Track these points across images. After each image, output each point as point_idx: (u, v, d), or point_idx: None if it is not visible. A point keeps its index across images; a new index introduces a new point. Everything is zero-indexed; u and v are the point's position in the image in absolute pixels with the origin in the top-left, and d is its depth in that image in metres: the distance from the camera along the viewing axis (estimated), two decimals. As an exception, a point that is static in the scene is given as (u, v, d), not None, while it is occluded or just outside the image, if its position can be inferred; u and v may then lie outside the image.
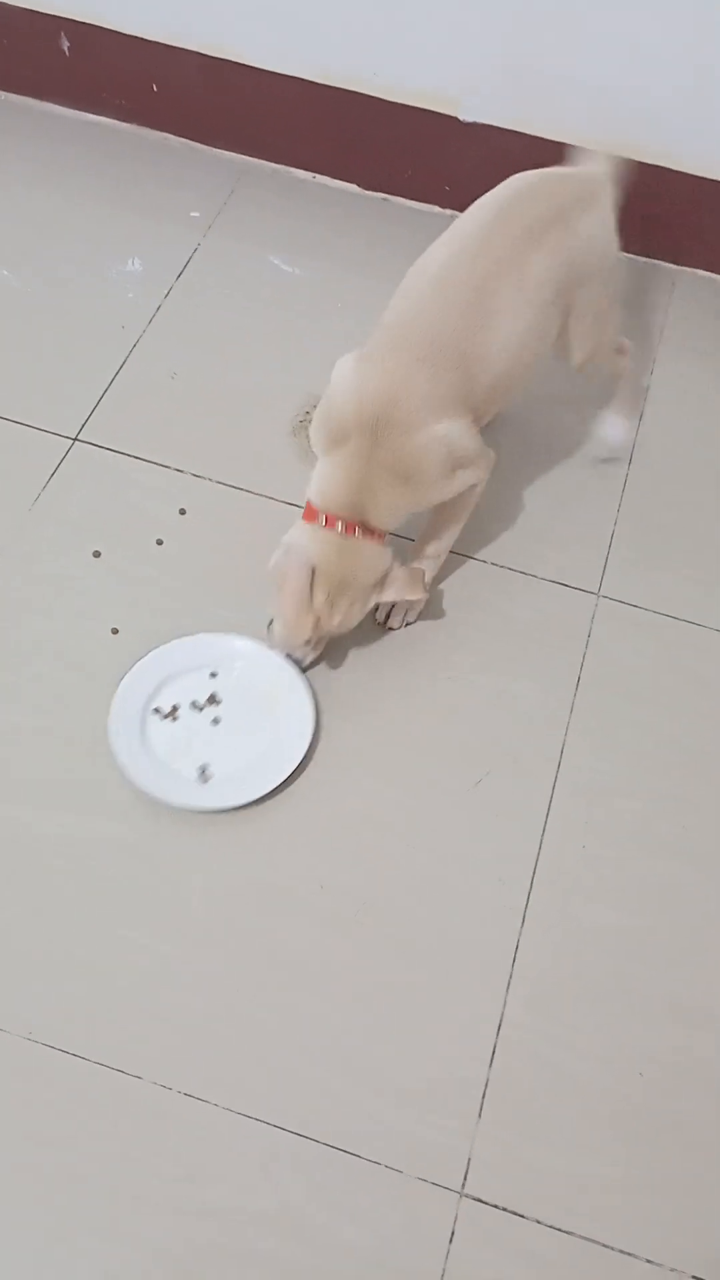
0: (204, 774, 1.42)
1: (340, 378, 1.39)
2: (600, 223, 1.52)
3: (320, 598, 1.37)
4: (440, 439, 1.37)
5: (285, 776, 1.41)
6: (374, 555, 1.40)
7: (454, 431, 1.38)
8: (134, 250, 2.00)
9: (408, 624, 1.58)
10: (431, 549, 1.56)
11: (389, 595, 1.43)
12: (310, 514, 1.39)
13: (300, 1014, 1.28)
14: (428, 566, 1.55)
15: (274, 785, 1.41)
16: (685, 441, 1.86)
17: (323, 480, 1.40)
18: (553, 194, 1.48)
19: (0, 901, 1.33)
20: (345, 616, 1.41)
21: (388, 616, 1.57)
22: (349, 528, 1.37)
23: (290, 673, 1.49)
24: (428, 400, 1.35)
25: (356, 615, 1.43)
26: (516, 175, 1.51)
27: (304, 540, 1.38)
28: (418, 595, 1.46)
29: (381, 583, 1.42)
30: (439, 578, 1.61)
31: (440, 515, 1.54)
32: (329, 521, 1.37)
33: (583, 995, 1.32)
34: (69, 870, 1.36)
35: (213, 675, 1.50)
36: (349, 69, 1.99)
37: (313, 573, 1.36)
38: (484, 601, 1.63)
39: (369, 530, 1.39)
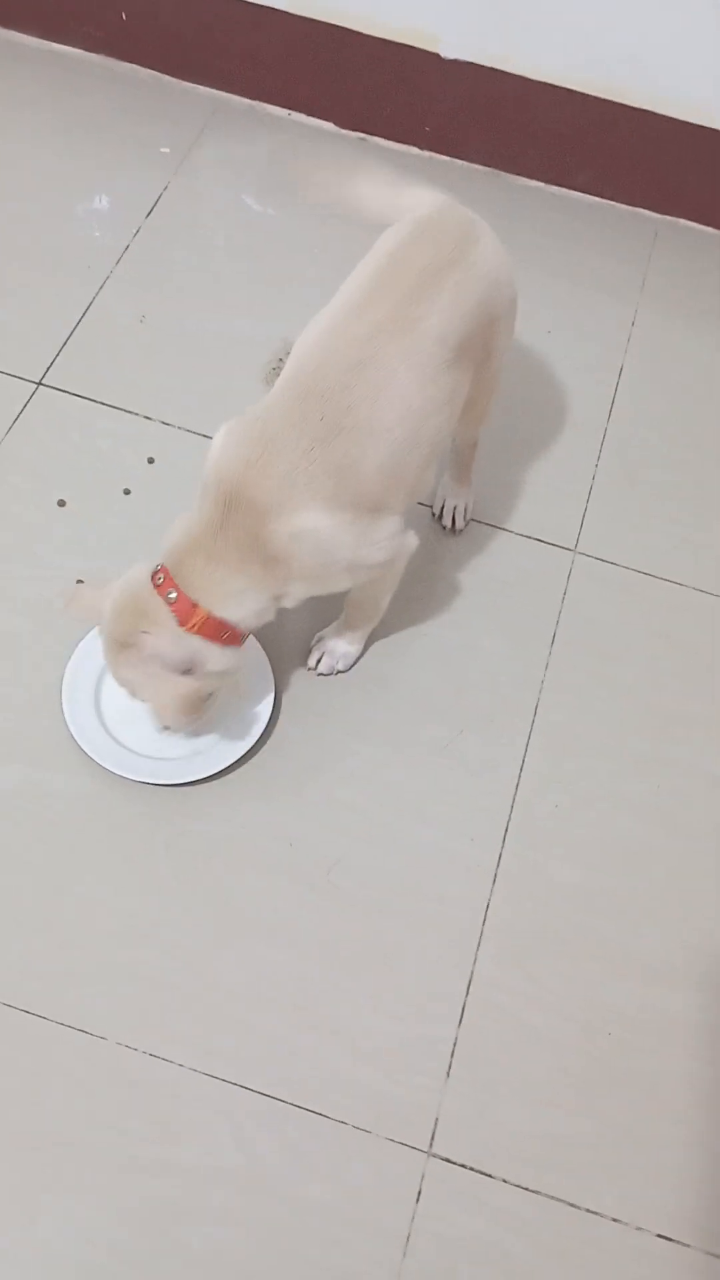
0: (156, 749, 1.37)
1: (213, 441, 1.21)
2: (496, 252, 1.31)
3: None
4: (307, 531, 1.16)
5: (234, 759, 1.37)
6: (155, 621, 1.18)
7: (327, 528, 1.17)
8: (101, 187, 1.93)
9: (338, 672, 1.47)
10: (354, 630, 1.44)
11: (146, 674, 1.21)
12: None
13: (267, 972, 1.27)
14: (357, 635, 1.45)
15: (219, 768, 1.36)
16: (665, 395, 1.83)
17: (168, 537, 1.21)
18: (441, 232, 1.28)
19: (-39, 858, 1.30)
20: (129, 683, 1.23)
21: (319, 661, 1.46)
22: (165, 586, 1.18)
23: (253, 647, 1.42)
24: (289, 483, 1.15)
25: (147, 692, 1.22)
26: (393, 226, 1.32)
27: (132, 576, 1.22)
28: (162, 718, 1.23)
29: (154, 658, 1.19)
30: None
31: (353, 603, 1.40)
32: (158, 574, 1.19)
33: (553, 953, 1.32)
34: (26, 825, 1.33)
35: None
36: (328, 0, 1.91)
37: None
38: (458, 557, 1.60)
39: (187, 605, 1.17)
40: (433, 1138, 1.20)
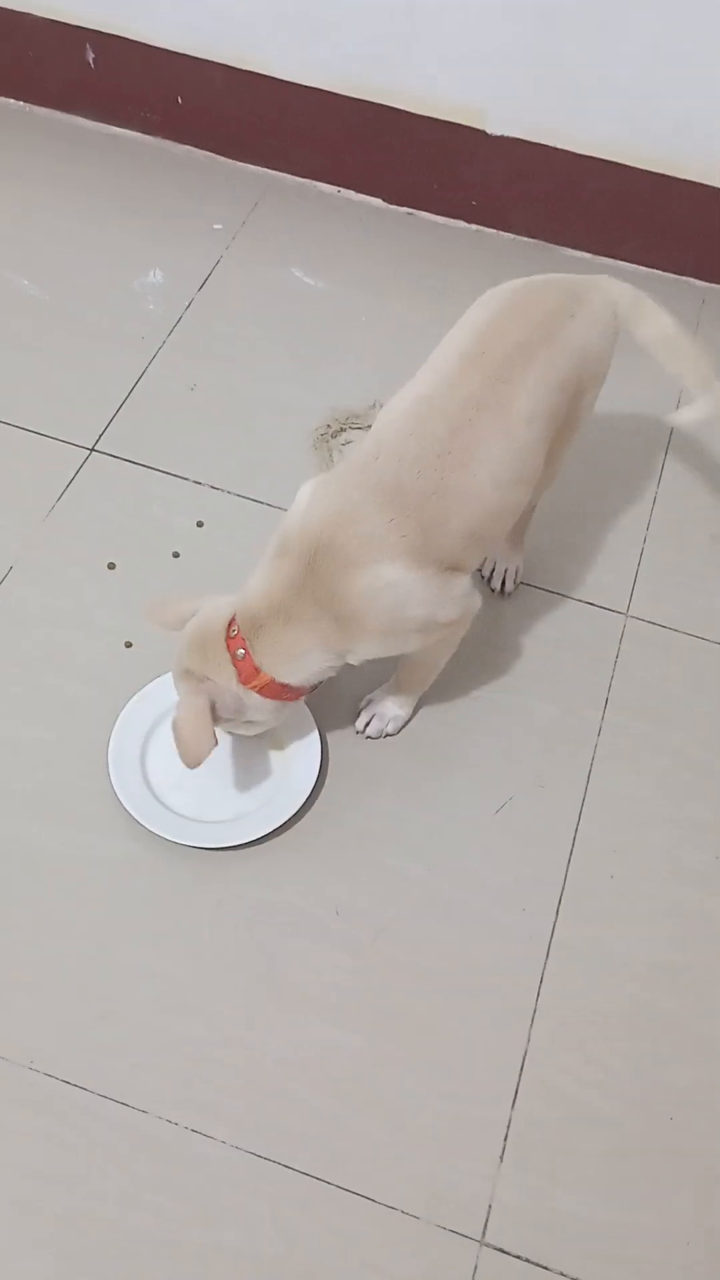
0: (201, 812, 1.36)
1: (298, 500, 1.24)
2: (592, 326, 1.31)
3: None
4: (386, 586, 1.17)
5: (280, 823, 1.34)
6: (219, 669, 1.21)
7: (406, 583, 1.18)
8: (156, 262, 1.98)
9: (386, 735, 1.45)
10: (405, 693, 1.43)
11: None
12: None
13: (313, 1046, 1.23)
14: (407, 698, 1.44)
15: (265, 831, 1.34)
16: (715, 459, 1.81)
17: (247, 589, 1.23)
18: (534, 307, 1.28)
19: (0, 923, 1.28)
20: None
21: (368, 724, 1.45)
22: (235, 642, 1.20)
23: (300, 711, 1.41)
24: (377, 537, 1.17)
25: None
26: (495, 289, 1.33)
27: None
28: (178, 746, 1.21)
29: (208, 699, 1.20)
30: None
31: (408, 665, 1.39)
32: (233, 625, 1.21)
33: (611, 1031, 1.26)
34: (73, 890, 1.31)
35: None
36: (376, 81, 1.96)
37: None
38: (509, 620, 1.58)
39: (251, 668, 1.20)
40: (486, 1226, 1.14)
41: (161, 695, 1.42)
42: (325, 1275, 1.10)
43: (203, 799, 1.37)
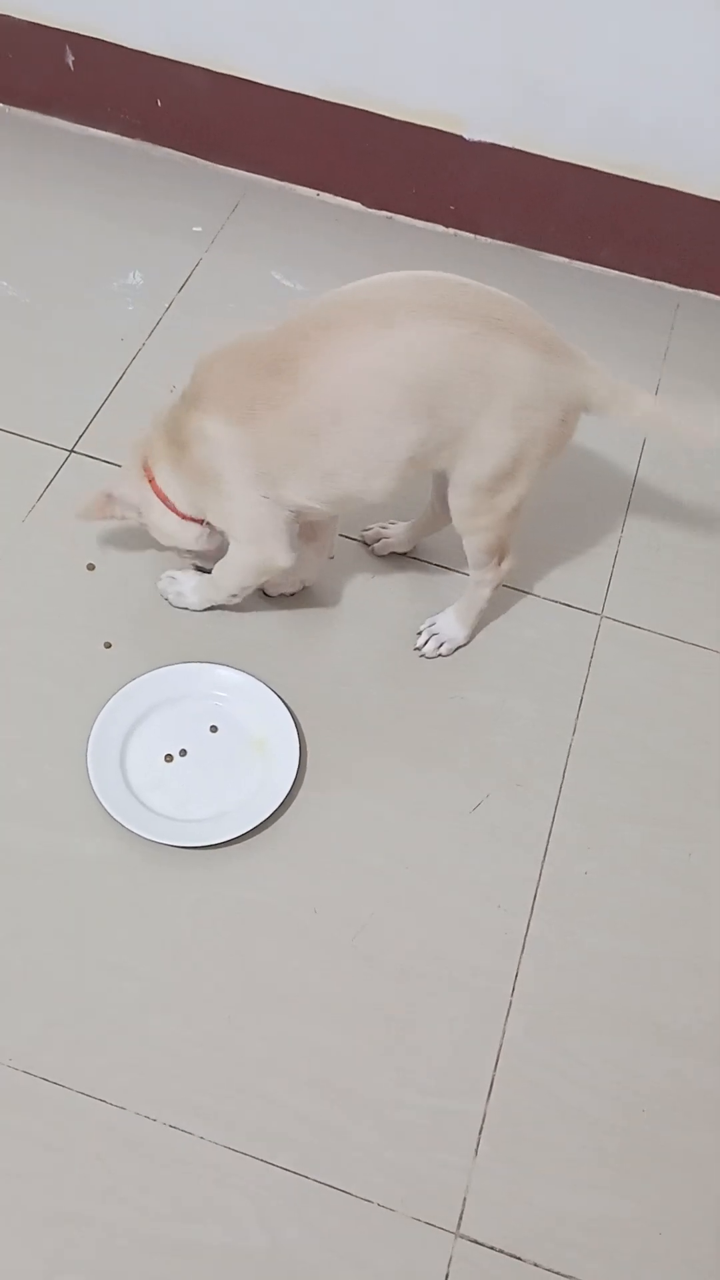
0: (180, 811, 1.37)
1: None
2: (535, 371, 1.23)
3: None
4: (205, 435, 1.28)
5: (259, 821, 1.35)
6: (135, 464, 1.41)
7: (224, 444, 1.27)
8: (135, 264, 1.99)
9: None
10: (207, 586, 1.52)
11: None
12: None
13: (291, 1042, 1.24)
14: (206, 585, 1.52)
15: (244, 830, 1.35)
16: (689, 461, 1.84)
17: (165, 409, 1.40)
18: (516, 312, 1.24)
19: (-17, 921, 1.29)
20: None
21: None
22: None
23: (280, 711, 1.44)
24: (226, 389, 1.26)
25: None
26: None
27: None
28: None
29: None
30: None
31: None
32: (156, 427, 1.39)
33: (585, 1026, 1.28)
34: (51, 890, 1.31)
35: (200, 708, 1.45)
36: (355, 86, 1.98)
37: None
38: (485, 620, 1.60)
39: (149, 467, 1.39)
40: (461, 1218, 1.15)
41: (141, 695, 1.44)
42: (306, 1269, 1.11)
43: (182, 798, 1.38)
